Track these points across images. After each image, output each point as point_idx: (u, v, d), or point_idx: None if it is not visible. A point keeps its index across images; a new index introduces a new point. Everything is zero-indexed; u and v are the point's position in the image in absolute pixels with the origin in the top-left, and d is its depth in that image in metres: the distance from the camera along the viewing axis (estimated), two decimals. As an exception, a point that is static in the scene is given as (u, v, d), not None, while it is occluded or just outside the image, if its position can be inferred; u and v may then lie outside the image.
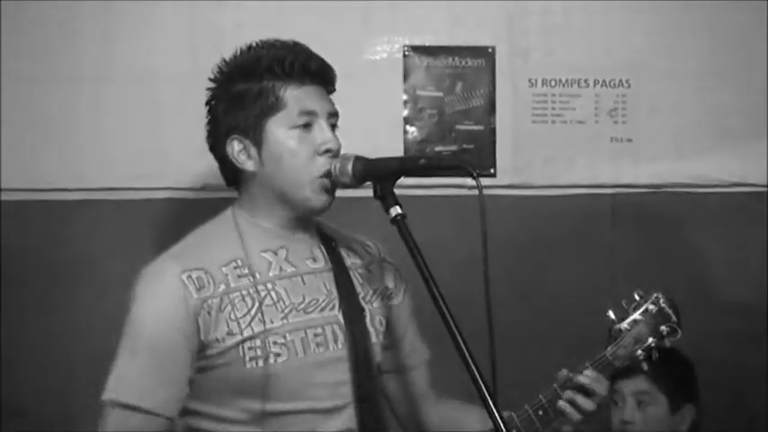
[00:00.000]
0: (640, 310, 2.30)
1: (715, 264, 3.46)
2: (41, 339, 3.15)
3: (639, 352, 2.28)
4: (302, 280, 2.19)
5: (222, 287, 2.11)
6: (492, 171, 3.34)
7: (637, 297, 2.33)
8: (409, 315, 2.40)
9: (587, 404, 2.19)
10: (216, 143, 2.22)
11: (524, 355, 3.01)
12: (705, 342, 3.14)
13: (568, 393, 2.19)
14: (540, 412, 2.20)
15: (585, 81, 3.38)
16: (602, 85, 3.39)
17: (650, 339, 2.29)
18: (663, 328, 2.30)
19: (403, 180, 2.12)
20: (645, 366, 2.31)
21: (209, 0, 3.25)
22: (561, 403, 2.19)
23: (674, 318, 2.31)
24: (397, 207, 2.06)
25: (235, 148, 2.18)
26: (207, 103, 2.25)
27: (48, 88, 3.19)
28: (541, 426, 2.21)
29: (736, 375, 3.38)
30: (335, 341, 2.18)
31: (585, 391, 2.20)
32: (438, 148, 3.33)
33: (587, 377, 2.20)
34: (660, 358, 2.75)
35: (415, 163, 2.14)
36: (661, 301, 2.32)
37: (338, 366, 2.18)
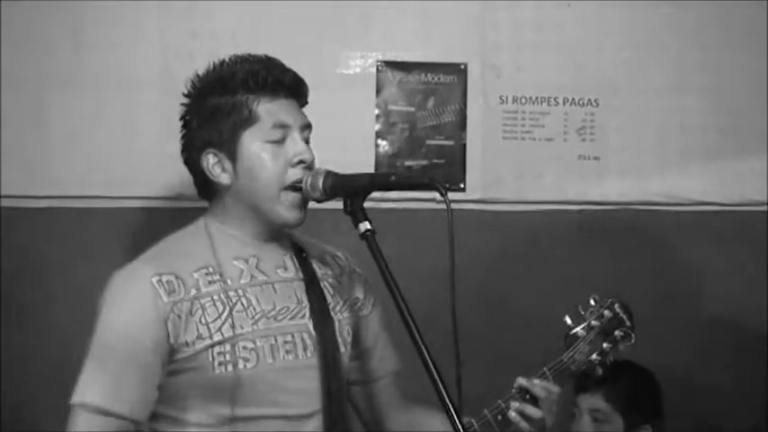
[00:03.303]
0: (595, 316, 2.34)
1: (681, 280, 3.50)
2: (13, 347, 3.14)
3: (594, 357, 2.32)
4: (273, 288, 2.21)
5: (193, 291, 2.13)
6: (462, 186, 3.38)
7: (592, 302, 2.36)
8: (379, 325, 2.42)
9: (534, 412, 2.23)
10: (191, 157, 2.24)
11: (490, 369, 3.02)
12: (669, 357, 3.20)
13: (516, 403, 2.23)
14: (499, 417, 2.24)
15: (555, 99, 3.43)
16: (571, 104, 3.44)
17: (605, 344, 2.33)
18: (617, 333, 2.34)
19: (373, 193, 2.14)
20: (599, 371, 2.34)
21: (181, 5, 3.25)
22: (511, 413, 2.23)
23: (627, 323, 2.35)
24: (367, 223, 2.08)
25: (210, 161, 2.20)
26: (181, 118, 2.27)
27: (17, 94, 3.18)
28: (500, 429, 2.24)
29: (700, 391, 3.41)
30: (305, 349, 2.20)
31: (534, 398, 2.24)
32: (409, 163, 3.36)
33: (534, 384, 2.25)
34: (620, 377, 2.80)
35: (385, 179, 2.15)
36: (615, 306, 2.36)
37: (307, 374, 2.20)
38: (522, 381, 2.26)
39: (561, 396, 2.28)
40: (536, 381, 2.26)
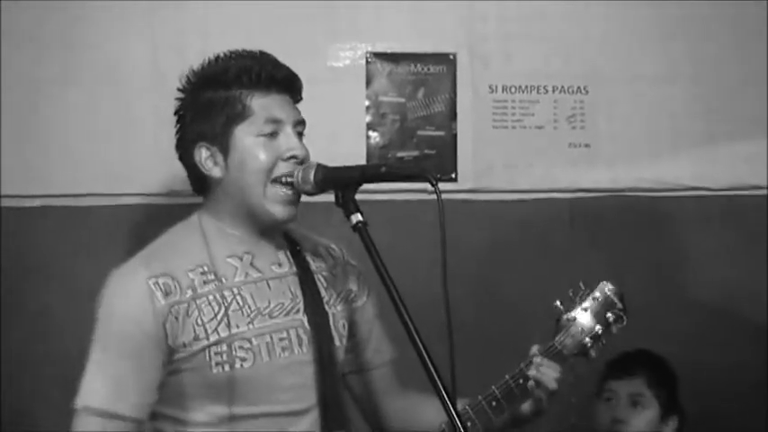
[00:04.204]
0: (587, 299, 2.34)
1: (673, 265, 3.51)
2: (9, 345, 3.14)
3: (587, 340, 2.30)
4: (267, 285, 2.22)
5: (189, 292, 2.14)
6: (453, 176, 3.39)
7: (583, 286, 2.36)
8: (373, 316, 2.43)
9: (552, 377, 2.23)
10: (184, 151, 2.25)
11: (483, 357, 3.03)
12: (662, 343, 3.20)
13: (537, 360, 2.23)
14: (494, 403, 2.25)
15: (544, 87, 3.44)
16: (560, 92, 3.45)
17: (597, 327, 2.31)
18: (609, 315, 2.32)
19: (364, 185, 2.14)
20: (593, 354, 2.32)
21: (172, 1, 3.27)
22: (532, 372, 2.22)
23: (619, 305, 2.33)
24: (359, 214, 2.08)
25: (202, 154, 2.20)
26: (176, 113, 2.28)
27: (12, 93, 3.18)
28: (494, 415, 2.25)
29: (695, 375, 3.41)
30: (300, 345, 2.21)
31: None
32: (400, 154, 3.37)
33: (542, 362, 2.25)
34: (656, 365, 2.89)
35: (376, 171, 2.15)
36: (606, 289, 2.34)
37: (303, 370, 2.21)
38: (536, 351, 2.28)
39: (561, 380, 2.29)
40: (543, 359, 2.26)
